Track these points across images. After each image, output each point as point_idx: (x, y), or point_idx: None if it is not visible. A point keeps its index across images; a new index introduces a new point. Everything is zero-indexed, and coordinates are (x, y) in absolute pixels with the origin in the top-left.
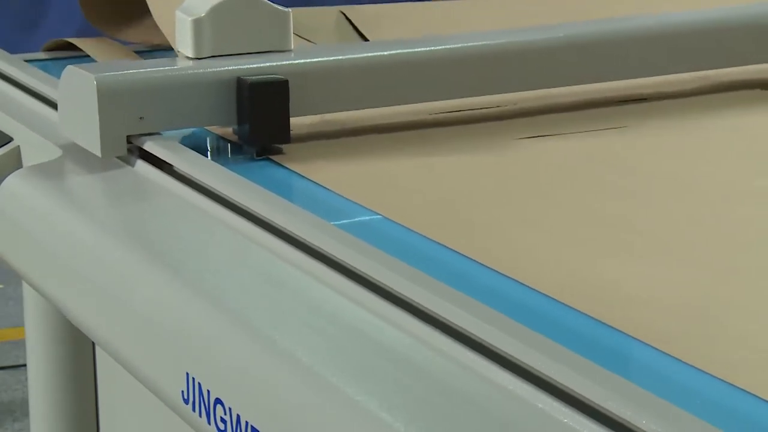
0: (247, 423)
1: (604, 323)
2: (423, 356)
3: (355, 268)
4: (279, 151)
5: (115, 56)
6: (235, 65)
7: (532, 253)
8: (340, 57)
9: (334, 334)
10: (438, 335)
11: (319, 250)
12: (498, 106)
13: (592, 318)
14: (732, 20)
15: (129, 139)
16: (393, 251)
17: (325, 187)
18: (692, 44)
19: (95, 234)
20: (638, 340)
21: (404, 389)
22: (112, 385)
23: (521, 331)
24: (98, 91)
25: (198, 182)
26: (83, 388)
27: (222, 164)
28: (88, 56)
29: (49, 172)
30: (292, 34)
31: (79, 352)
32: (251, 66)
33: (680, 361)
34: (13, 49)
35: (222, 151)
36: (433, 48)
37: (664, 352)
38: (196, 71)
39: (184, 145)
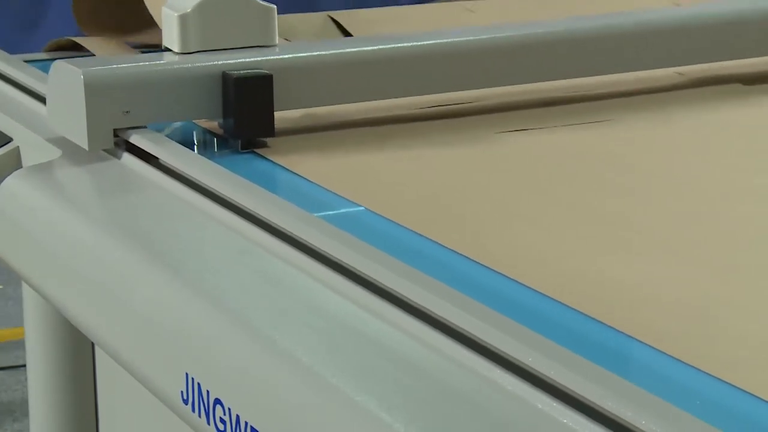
0: (246, 423)
1: (595, 318)
2: (422, 356)
3: (338, 259)
4: (263, 145)
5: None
6: (221, 60)
7: (517, 247)
8: (324, 52)
9: (324, 327)
10: (438, 335)
11: (302, 241)
12: (480, 101)
13: (581, 312)
14: (711, 17)
15: (116, 133)
16: (375, 243)
17: (307, 180)
18: (672, 40)
19: (93, 234)
20: (637, 339)
21: (404, 389)
22: (112, 386)
23: (521, 331)
24: (85, 85)
25: (183, 175)
26: (83, 388)
27: (207, 157)
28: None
29: (49, 172)
30: (276, 30)
31: (78, 353)
32: (236, 61)
33: (680, 361)
34: (13, 49)
35: (207, 144)
36: (416, 43)
37: (663, 352)
38: (181, 66)
39: (171, 138)
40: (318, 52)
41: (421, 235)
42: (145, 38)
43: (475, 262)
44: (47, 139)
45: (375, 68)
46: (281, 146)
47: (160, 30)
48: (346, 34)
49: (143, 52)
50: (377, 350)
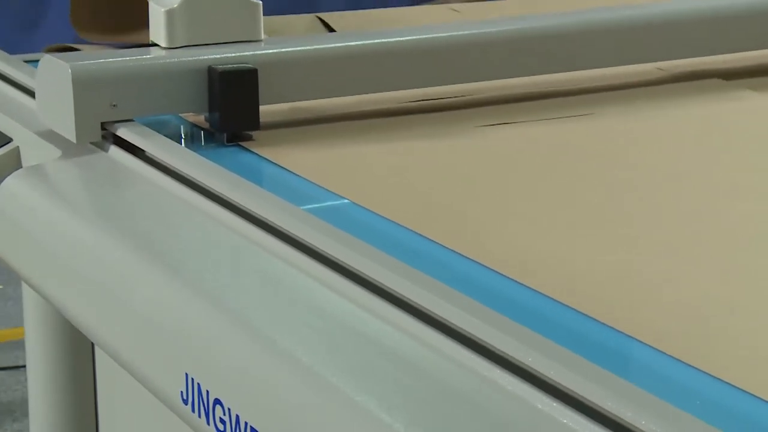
0: (246, 423)
1: (577, 311)
2: (422, 356)
3: (323, 251)
4: (249, 138)
5: None
6: (207, 54)
7: (502, 239)
8: (309, 47)
9: (322, 326)
10: (437, 335)
11: (286, 232)
12: (463, 95)
13: (565, 304)
14: (691, 13)
15: (103, 126)
16: (358, 235)
17: (292, 172)
18: (653, 36)
19: (92, 234)
20: (637, 339)
21: (403, 389)
22: (112, 386)
23: (521, 331)
24: (73, 78)
25: (169, 167)
26: (82, 388)
27: (193, 150)
28: None
29: (48, 172)
30: (262, 25)
31: (78, 353)
32: (222, 55)
33: (680, 361)
34: (13, 49)
35: (193, 137)
36: (399, 39)
37: (663, 352)
38: (168, 60)
39: (158, 131)
40: (303, 47)
41: (404, 227)
42: (143, 39)
43: (453, 251)
44: (47, 138)
45: (359, 63)
46: (266, 139)
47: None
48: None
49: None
50: (377, 350)
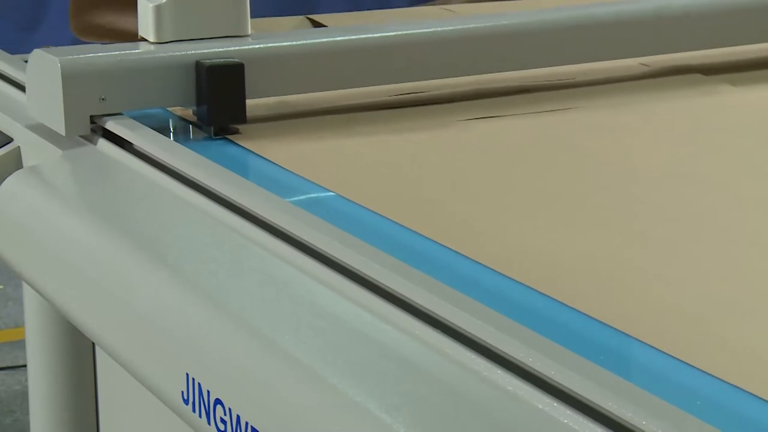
0: (246, 423)
1: (592, 317)
2: (422, 356)
3: (308, 242)
4: (235, 131)
5: None
6: (194, 49)
7: (485, 231)
8: (295, 42)
9: (317, 324)
10: (438, 335)
11: (272, 223)
12: (447, 90)
13: (555, 298)
14: (674, 10)
15: (92, 119)
16: (343, 226)
17: (277, 165)
18: (636, 32)
19: (93, 234)
20: (637, 339)
21: (404, 389)
22: (112, 386)
23: (521, 331)
24: (62, 72)
25: (157, 159)
26: (83, 388)
27: (181, 143)
28: None
29: (49, 172)
30: (249, 20)
31: (79, 353)
32: (209, 50)
33: (680, 361)
34: (13, 49)
35: (181, 131)
36: (384, 34)
37: (663, 352)
38: (156, 55)
39: (146, 125)
40: (289, 42)
41: (388, 218)
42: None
43: (438, 243)
44: (48, 138)
45: (344, 58)
46: (252, 133)
47: None
48: None
49: None
50: (377, 350)
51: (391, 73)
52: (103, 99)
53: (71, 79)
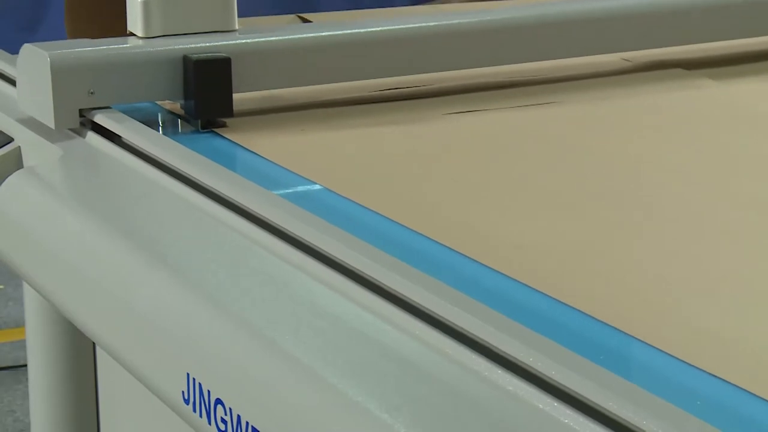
0: (247, 423)
1: (592, 316)
2: (422, 356)
3: (295, 234)
4: (222, 125)
5: None
6: (182, 44)
7: (470, 223)
8: (281, 37)
9: (313, 321)
10: (438, 335)
11: (258, 215)
12: (432, 84)
13: (552, 297)
14: (655, 5)
15: (81, 113)
16: (329, 219)
17: (263, 158)
18: (618, 27)
19: (94, 234)
20: (638, 339)
21: (404, 389)
22: (113, 386)
23: (521, 331)
24: (51, 66)
25: (145, 152)
26: (84, 388)
27: (169, 136)
28: None
29: (49, 172)
30: (236, 15)
31: (79, 353)
32: (197, 45)
33: (681, 361)
34: (13, 49)
35: (169, 124)
36: (370, 29)
37: (664, 352)
38: (144, 49)
39: (135, 118)
40: (275, 37)
41: (374, 211)
42: None
43: (425, 236)
44: (48, 138)
45: (330, 53)
46: (240, 126)
47: None
48: None
49: None
50: (377, 350)
51: (377, 67)
52: (92, 93)
53: (60, 73)
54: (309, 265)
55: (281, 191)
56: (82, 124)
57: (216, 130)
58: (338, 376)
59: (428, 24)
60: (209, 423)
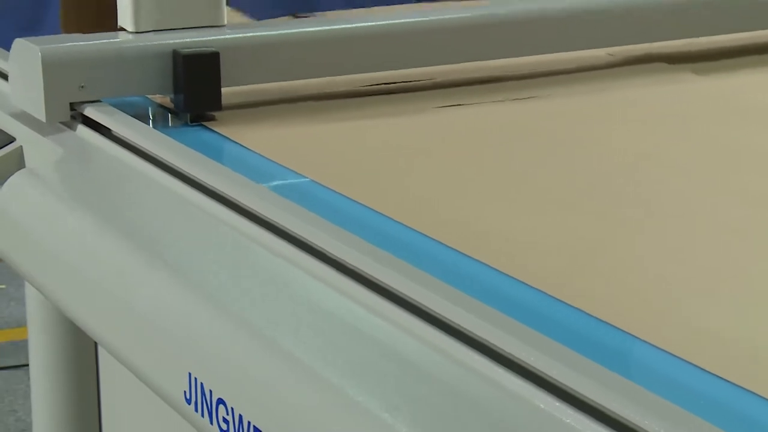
0: (249, 423)
1: (593, 316)
2: (422, 355)
3: (282, 225)
4: (211, 118)
5: None
6: (171, 39)
7: (458, 215)
8: (270, 32)
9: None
10: (438, 334)
11: (246, 207)
12: (422, 79)
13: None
14: (639, 1)
15: (72, 107)
16: (317, 212)
17: (252, 150)
18: (604, 22)
19: (95, 234)
20: (639, 338)
21: (404, 389)
22: (115, 386)
23: (521, 330)
24: (43, 60)
25: (135, 145)
26: (86, 388)
27: (158, 129)
28: None
29: (50, 172)
30: (225, 11)
31: (81, 353)
32: (186, 39)
33: (683, 360)
34: None
35: (159, 117)
36: (359, 24)
37: (664, 351)
38: (134, 44)
39: (125, 112)
40: (264, 32)
41: (362, 204)
42: None
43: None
44: (49, 137)
45: (318, 48)
46: (228, 119)
47: None
48: None
49: None
50: (377, 350)
51: (365, 62)
52: (82, 87)
53: (51, 67)
54: (306, 261)
55: (269, 183)
56: (73, 117)
57: (205, 123)
58: (339, 375)
59: (416, 20)
60: (211, 423)
